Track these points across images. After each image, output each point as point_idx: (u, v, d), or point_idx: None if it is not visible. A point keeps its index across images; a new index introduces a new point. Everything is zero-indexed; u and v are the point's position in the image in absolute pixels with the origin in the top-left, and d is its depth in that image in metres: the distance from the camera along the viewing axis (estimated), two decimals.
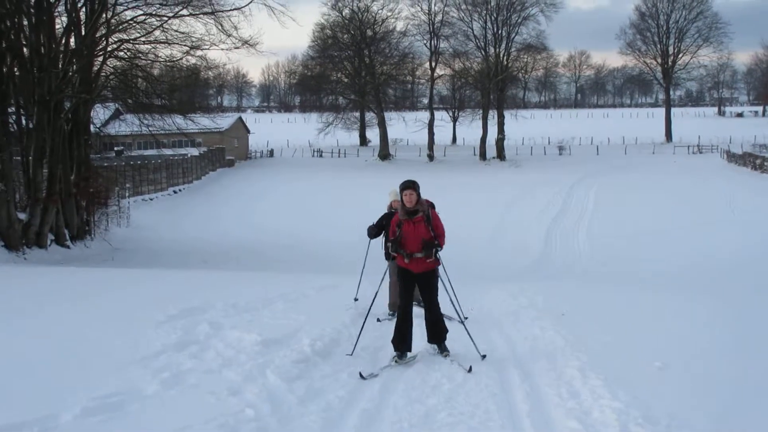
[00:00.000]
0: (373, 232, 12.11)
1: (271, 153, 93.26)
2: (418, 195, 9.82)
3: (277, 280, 18.03)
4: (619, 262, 32.09)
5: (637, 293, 18.19)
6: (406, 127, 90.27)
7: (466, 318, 11.43)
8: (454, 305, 11.02)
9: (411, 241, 9.77)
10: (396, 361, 9.62)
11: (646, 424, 6.71)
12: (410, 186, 9.82)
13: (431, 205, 10.08)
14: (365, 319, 10.69)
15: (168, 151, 54.63)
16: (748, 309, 14.52)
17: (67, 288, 15.73)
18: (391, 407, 7.65)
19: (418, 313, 10.49)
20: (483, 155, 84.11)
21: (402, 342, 9.83)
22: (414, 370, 9.31)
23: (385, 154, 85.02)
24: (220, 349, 9.36)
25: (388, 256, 10.30)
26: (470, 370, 9.10)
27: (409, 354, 9.85)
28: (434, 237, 9.79)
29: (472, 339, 9.98)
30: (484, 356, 9.73)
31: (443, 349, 10.03)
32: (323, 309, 10.06)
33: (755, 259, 30.51)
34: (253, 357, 8.98)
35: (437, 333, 10.07)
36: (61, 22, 31.63)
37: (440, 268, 10.29)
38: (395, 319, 10.14)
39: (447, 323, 10.33)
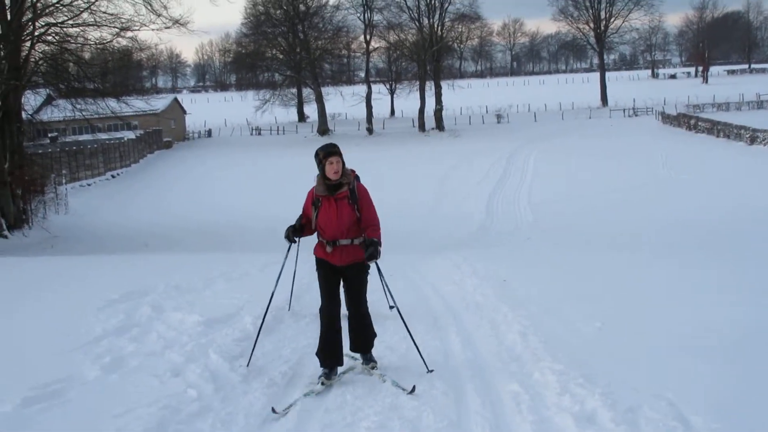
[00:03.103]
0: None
1: (209, 133, 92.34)
2: (343, 163, 7.68)
3: (219, 261, 17.92)
4: (560, 227, 32.39)
5: (577, 256, 18.45)
6: (343, 102, 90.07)
7: (392, 307, 8.26)
8: (385, 291, 8.28)
9: (333, 225, 7.62)
10: (323, 382, 7.54)
11: (586, 383, 6.78)
12: (336, 151, 7.64)
13: (356, 177, 7.95)
14: (262, 322, 8.63)
15: (103, 136, 53.83)
16: (686, 265, 14.81)
17: (5, 279, 15.47)
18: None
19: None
20: (422, 126, 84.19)
21: (331, 355, 7.73)
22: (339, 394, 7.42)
23: (324, 130, 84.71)
24: (162, 331, 9.28)
25: (290, 237, 7.90)
26: (413, 390, 7.15)
27: (340, 369, 7.90)
28: (365, 226, 7.67)
29: (417, 348, 8.03)
30: (431, 371, 7.70)
31: (368, 360, 8.02)
32: (266, 287, 10.00)
33: (693, 216, 31.02)
34: (195, 338, 8.92)
35: (363, 340, 7.99)
36: None
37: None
38: (321, 327, 7.85)
39: (373, 321, 8.16)
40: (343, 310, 8.02)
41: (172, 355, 8.24)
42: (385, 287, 8.19)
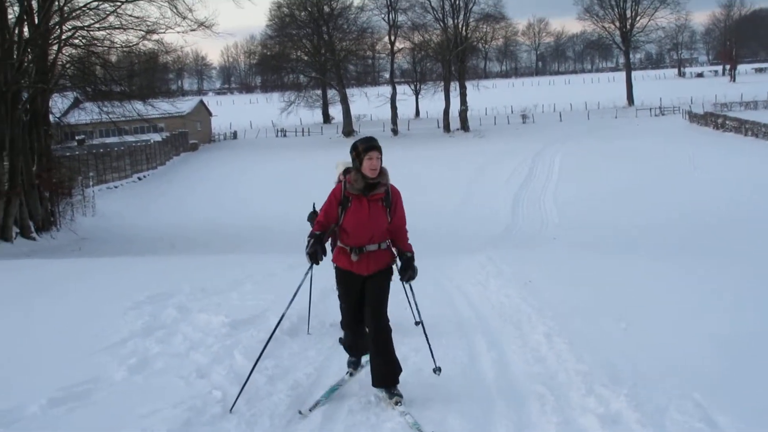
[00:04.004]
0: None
1: (235, 135, 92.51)
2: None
3: (245, 262, 17.99)
4: (585, 227, 32.29)
5: (603, 257, 18.38)
6: (368, 103, 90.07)
7: (418, 323, 7.41)
8: (411, 305, 7.39)
9: (363, 229, 6.76)
10: (351, 373, 7.40)
11: (611, 384, 6.76)
12: (376, 145, 6.80)
13: None
14: (267, 341, 7.49)
15: (130, 138, 54.32)
16: (715, 267, 14.70)
17: (34, 281, 15.60)
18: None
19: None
20: (447, 127, 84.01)
21: (359, 344, 7.28)
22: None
23: (349, 131, 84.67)
24: (188, 333, 9.32)
25: (315, 256, 6.77)
26: None
27: (363, 359, 7.48)
28: (394, 230, 6.95)
29: (433, 357, 7.17)
30: (437, 368, 7.01)
31: (393, 394, 6.85)
32: (292, 288, 10.02)
33: (720, 217, 30.81)
34: (220, 339, 8.96)
35: (389, 369, 6.89)
36: (13, 12, 31.27)
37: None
38: (346, 337, 7.41)
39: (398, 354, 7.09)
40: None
41: (197, 356, 8.29)
42: (412, 301, 7.24)
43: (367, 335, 6.97)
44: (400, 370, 6.96)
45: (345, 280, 7.00)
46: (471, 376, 7.56)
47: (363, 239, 6.79)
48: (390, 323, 6.95)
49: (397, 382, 6.91)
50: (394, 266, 7.08)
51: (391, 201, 6.84)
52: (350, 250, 6.83)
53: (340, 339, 7.43)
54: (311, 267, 7.17)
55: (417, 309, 7.20)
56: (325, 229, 6.92)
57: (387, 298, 7.00)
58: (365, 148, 6.70)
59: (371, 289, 6.90)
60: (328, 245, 7.05)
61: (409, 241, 7.07)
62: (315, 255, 6.77)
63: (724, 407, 6.12)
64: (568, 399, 6.66)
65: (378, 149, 6.74)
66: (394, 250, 7.07)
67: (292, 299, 7.37)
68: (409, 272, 6.86)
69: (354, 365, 7.37)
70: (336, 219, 6.86)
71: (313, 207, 7.67)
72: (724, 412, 6.01)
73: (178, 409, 6.59)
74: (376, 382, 6.92)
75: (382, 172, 6.78)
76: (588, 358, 7.58)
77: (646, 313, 9.71)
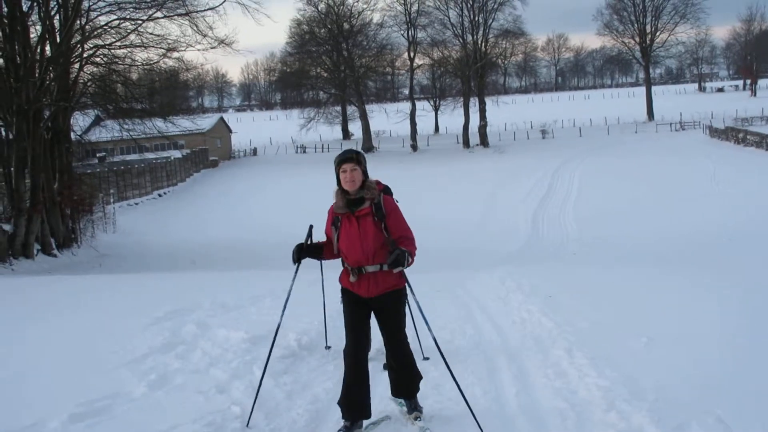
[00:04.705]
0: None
1: (255, 152, 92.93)
2: (365, 173, 6.47)
3: (265, 278, 18.01)
4: (606, 242, 32.19)
5: (624, 272, 18.29)
6: (388, 119, 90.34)
7: (427, 358, 8.37)
8: (417, 337, 8.08)
9: (356, 248, 6.43)
10: None
11: (632, 399, 6.71)
12: (351, 157, 6.42)
13: (385, 191, 6.80)
14: (265, 366, 7.27)
15: (150, 155, 54.50)
16: (735, 283, 14.58)
17: (55, 297, 15.70)
18: None
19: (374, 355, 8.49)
20: (466, 143, 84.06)
21: (354, 406, 6.53)
22: None
23: (368, 147, 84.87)
24: (207, 349, 9.33)
25: (294, 254, 6.67)
26: None
27: (366, 422, 6.66)
28: (394, 239, 6.39)
29: (462, 394, 6.57)
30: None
31: (413, 408, 6.76)
32: (310, 303, 9.98)
33: (742, 232, 30.61)
34: (239, 354, 8.95)
35: (407, 381, 6.73)
36: (35, 31, 31.53)
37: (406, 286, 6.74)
38: (345, 373, 6.63)
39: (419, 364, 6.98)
40: (376, 346, 7.31)
41: (216, 372, 8.28)
42: (425, 328, 6.81)
43: (364, 370, 6.60)
44: (420, 377, 6.79)
45: (348, 300, 6.64)
46: (491, 392, 7.51)
47: (360, 259, 6.41)
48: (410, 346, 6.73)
49: (418, 389, 6.78)
50: (406, 288, 6.67)
51: (384, 213, 6.40)
52: (350, 270, 6.51)
53: (339, 402, 6.62)
54: (296, 269, 7.03)
55: (433, 337, 6.74)
56: (328, 244, 6.73)
57: (403, 322, 6.70)
58: (339, 161, 6.42)
59: (384, 314, 6.61)
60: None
61: (414, 250, 6.44)
62: (294, 254, 6.65)
63: (747, 423, 6.07)
64: (590, 415, 6.61)
65: (353, 161, 6.35)
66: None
67: (284, 307, 7.30)
68: (396, 252, 6.15)
69: (347, 429, 6.51)
70: (332, 238, 6.65)
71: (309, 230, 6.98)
72: (746, 428, 5.96)
73: (197, 424, 6.59)
74: (396, 392, 6.79)
75: (366, 186, 6.41)
76: (609, 374, 7.52)
77: (667, 327, 9.64)
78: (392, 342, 6.61)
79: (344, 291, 6.66)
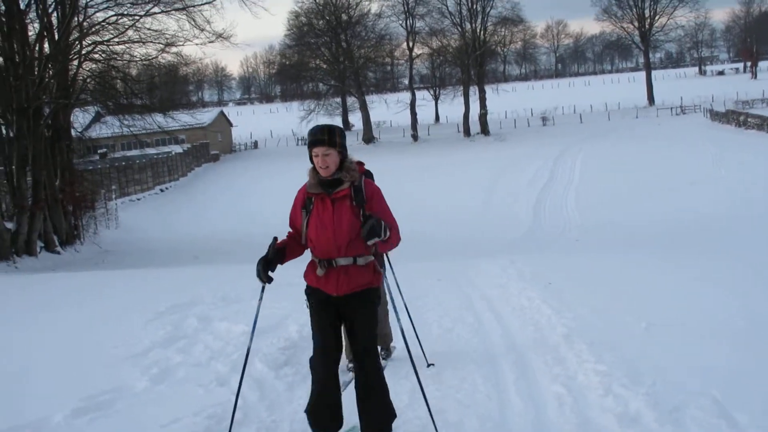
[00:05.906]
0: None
1: (255, 145, 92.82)
2: (342, 152, 5.47)
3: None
4: (607, 228, 32.20)
5: (624, 257, 18.31)
6: (388, 109, 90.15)
7: (432, 365, 7.87)
8: (420, 344, 7.84)
9: (327, 235, 5.43)
10: None
11: (630, 384, 6.74)
12: (324, 140, 5.38)
13: (367, 174, 6.15)
14: (242, 373, 6.36)
15: (151, 150, 54.73)
16: (734, 266, 14.62)
17: (58, 293, 15.76)
18: None
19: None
20: (467, 131, 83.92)
21: (325, 418, 5.71)
22: None
23: (369, 138, 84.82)
24: (209, 342, 9.38)
25: (259, 275, 5.70)
26: None
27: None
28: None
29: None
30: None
31: None
32: None
33: (743, 216, 30.61)
34: (240, 347, 8.97)
35: (377, 415, 5.61)
36: (33, 29, 31.57)
37: (383, 282, 6.07)
38: (313, 383, 5.79)
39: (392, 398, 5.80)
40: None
41: (217, 365, 8.34)
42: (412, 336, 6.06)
43: (334, 379, 5.77)
44: (394, 416, 5.71)
45: (314, 300, 5.67)
46: (491, 378, 7.55)
47: (330, 249, 5.42)
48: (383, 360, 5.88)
49: (390, 430, 5.70)
50: (383, 286, 5.98)
51: (365, 198, 5.45)
52: (318, 263, 5.52)
53: (306, 410, 5.88)
54: (262, 289, 6.08)
55: (419, 341, 6.40)
56: (290, 239, 5.81)
57: (375, 330, 5.71)
58: (310, 142, 5.43)
59: (351, 317, 5.61)
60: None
61: (396, 235, 5.56)
62: (261, 275, 5.68)
63: (743, 404, 6.11)
64: (587, 399, 6.67)
65: (324, 144, 5.34)
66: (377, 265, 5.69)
67: (254, 328, 6.47)
68: (370, 222, 5.27)
69: None
70: (300, 225, 5.66)
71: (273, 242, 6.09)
72: (743, 410, 5.99)
73: (198, 417, 6.65)
74: (365, 427, 5.64)
75: (345, 167, 5.46)
76: (608, 358, 7.55)
77: (666, 312, 9.66)
78: (359, 353, 5.63)
79: (309, 290, 5.71)
